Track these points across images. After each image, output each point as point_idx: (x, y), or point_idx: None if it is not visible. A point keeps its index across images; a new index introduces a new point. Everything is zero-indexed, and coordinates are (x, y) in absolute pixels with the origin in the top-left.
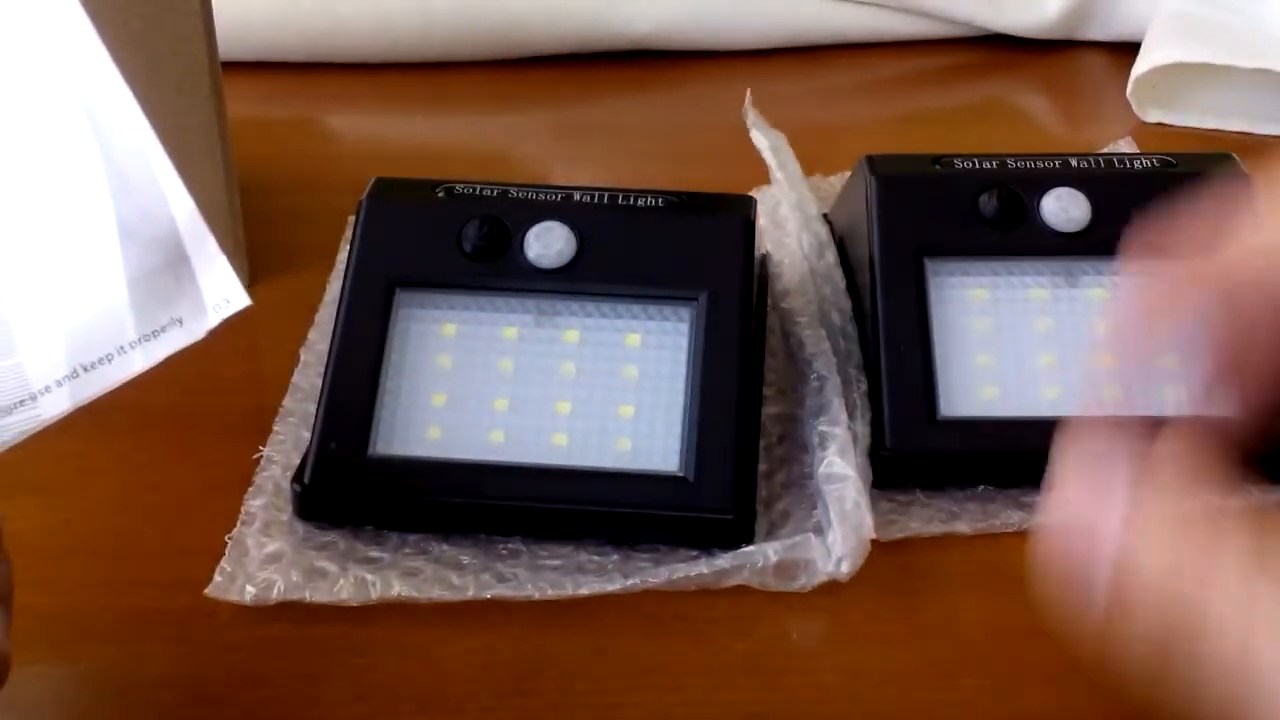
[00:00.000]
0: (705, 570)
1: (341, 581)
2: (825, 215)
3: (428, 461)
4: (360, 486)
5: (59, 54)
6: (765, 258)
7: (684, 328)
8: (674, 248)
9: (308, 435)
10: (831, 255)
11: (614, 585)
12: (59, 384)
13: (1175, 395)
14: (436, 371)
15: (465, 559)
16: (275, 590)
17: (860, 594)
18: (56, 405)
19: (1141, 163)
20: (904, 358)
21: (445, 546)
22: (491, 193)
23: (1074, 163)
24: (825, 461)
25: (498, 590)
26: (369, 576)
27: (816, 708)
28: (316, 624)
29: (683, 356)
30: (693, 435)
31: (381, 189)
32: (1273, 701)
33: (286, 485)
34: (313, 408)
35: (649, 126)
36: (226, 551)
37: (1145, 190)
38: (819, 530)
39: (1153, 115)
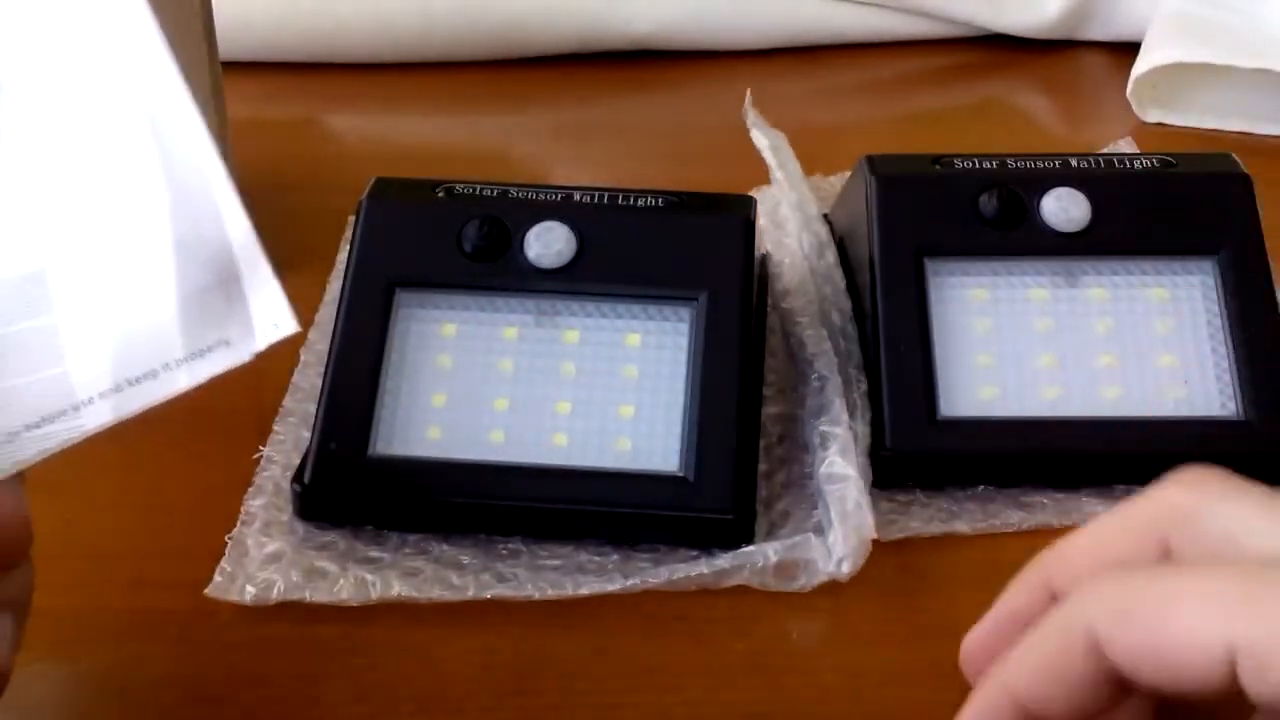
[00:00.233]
0: (705, 570)
1: (341, 581)
2: (825, 215)
3: (428, 461)
4: (360, 486)
5: (127, 61)
6: (765, 258)
7: (684, 328)
8: (674, 248)
9: (308, 435)
10: (831, 255)
11: (614, 585)
12: (103, 396)
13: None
14: (436, 371)
15: (465, 559)
16: (275, 590)
17: (860, 594)
18: (99, 417)
19: (1141, 163)
20: (904, 358)
21: (445, 546)
22: (491, 193)
23: (1074, 163)
24: (826, 461)
25: (498, 590)
26: (369, 576)
27: (816, 708)
28: (316, 624)
29: (683, 356)
30: (693, 435)
31: (381, 189)
32: None
33: (286, 485)
34: (313, 408)
35: (649, 126)
36: (226, 551)
37: (1145, 190)
38: (819, 530)
39: (1153, 115)
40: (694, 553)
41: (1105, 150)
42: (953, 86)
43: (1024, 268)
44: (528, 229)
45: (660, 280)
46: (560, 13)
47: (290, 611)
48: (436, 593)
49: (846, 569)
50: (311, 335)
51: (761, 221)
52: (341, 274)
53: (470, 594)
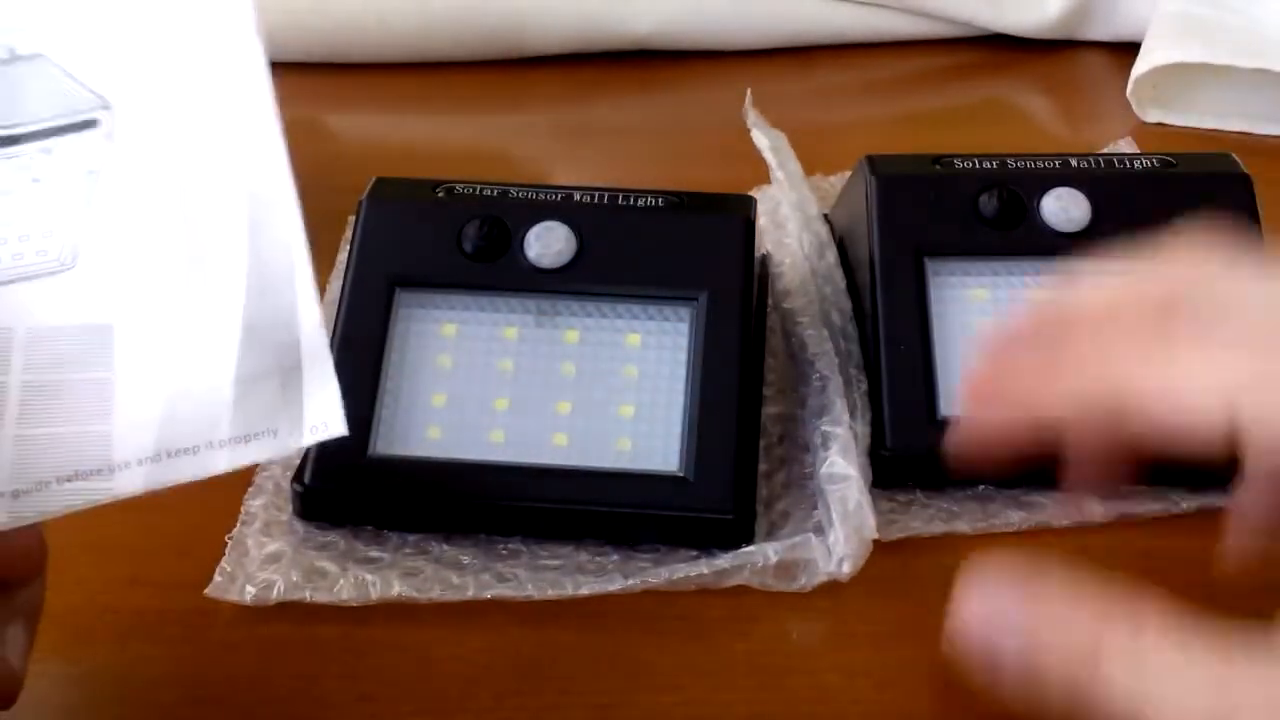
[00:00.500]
0: (705, 570)
1: (341, 581)
2: (825, 215)
3: (428, 461)
4: (360, 486)
5: (240, 134)
6: (766, 258)
7: (684, 328)
8: (674, 248)
9: None
10: (832, 255)
11: (614, 585)
12: (140, 463)
13: None
14: (436, 371)
15: (465, 559)
16: (275, 590)
17: (860, 594)
18: (129, 484)
19: (1141, 163)
20: (904, 357)
21: (445, 546)
22: (491, 193)
23: (1074, 163)
24: (827, 461)
25: (498, 590)
26: (369, 576)
27: (816, 708)
28: (316, 624)
29: (683, 356)
30: (693, 435)
31: (381, 189)
32: None
33: (286, 485)
34: None
35: (649, 126)
36: (226, 551)
37: (1145, 190)
38: (819, 530)
39: (1153, 115)
40: (694, 553)
41: (1105, 150)
42: (953, 86)
43: (1024, 267)
44: (528, 229)
45: (660, 280)
46: (560, 13)
47: (290, 611)
48: (436, 593)
49: (847, 569)
50: None
51: (762, 221)
52: (341, 274)
53: (470, 594)
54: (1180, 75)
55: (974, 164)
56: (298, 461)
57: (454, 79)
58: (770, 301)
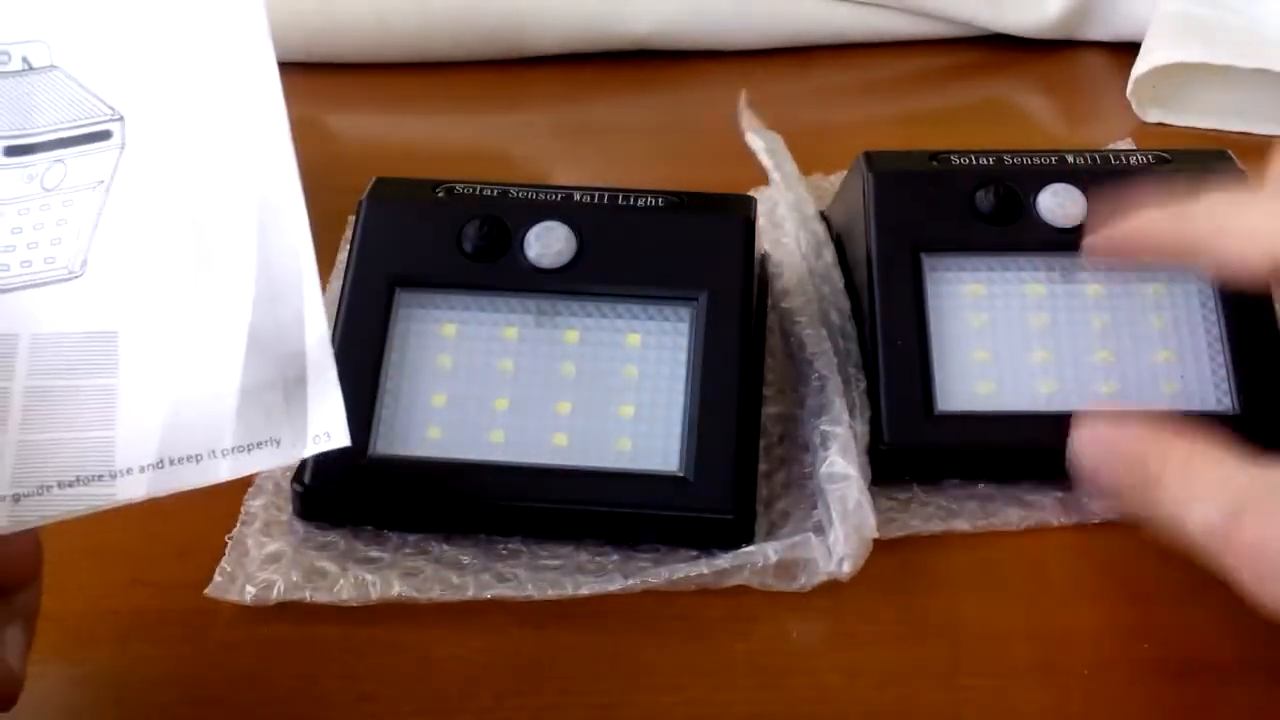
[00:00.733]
0: (705, 570)
1: (341, 581)
2: (823, 213)
3: (428, 461)
4: (360, 486)
5: (250, 143)
6: (765, 258)
7: (684, 328)
8: (674, 248)
9: None
10: (829, 254)
11: (614, 585)
12: (142, 470)
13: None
14: (436, 371)
15: (465, 559)
16: (275, 590)
17: (860, 594)
18: (131, 490)
19: (1137, 159)
20: (901, 353)
21: (445, 546)
22: (491, 193)
23: (1070, 159)
24: (827, 461)
25: (498, 590)
26: (369, 576)
27: (816, 708)
28: (316, 624)
29: (683, 356)
30: (693, 435)
31: (381, 189)
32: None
33: (286, 485)
34: None
35: (649, 126)
36: (226, 551)
37: (1141, 186)
38: (819, 530)
39: (1153, 115)
40: (694, 553)
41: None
42: (953, 86)
43: (1020, 263)
44: (528, 229)
45: (660, 280)
46: (560, 13)
47: (290, 611)
48: (436, 593)
49: (847, 568)
50: None
51: (761, 221)
52: (341, 274)
53: (470, 594)
54: (1180, 75)
55: (971, 160)
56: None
57: (454, 79)
58: (770, 301)
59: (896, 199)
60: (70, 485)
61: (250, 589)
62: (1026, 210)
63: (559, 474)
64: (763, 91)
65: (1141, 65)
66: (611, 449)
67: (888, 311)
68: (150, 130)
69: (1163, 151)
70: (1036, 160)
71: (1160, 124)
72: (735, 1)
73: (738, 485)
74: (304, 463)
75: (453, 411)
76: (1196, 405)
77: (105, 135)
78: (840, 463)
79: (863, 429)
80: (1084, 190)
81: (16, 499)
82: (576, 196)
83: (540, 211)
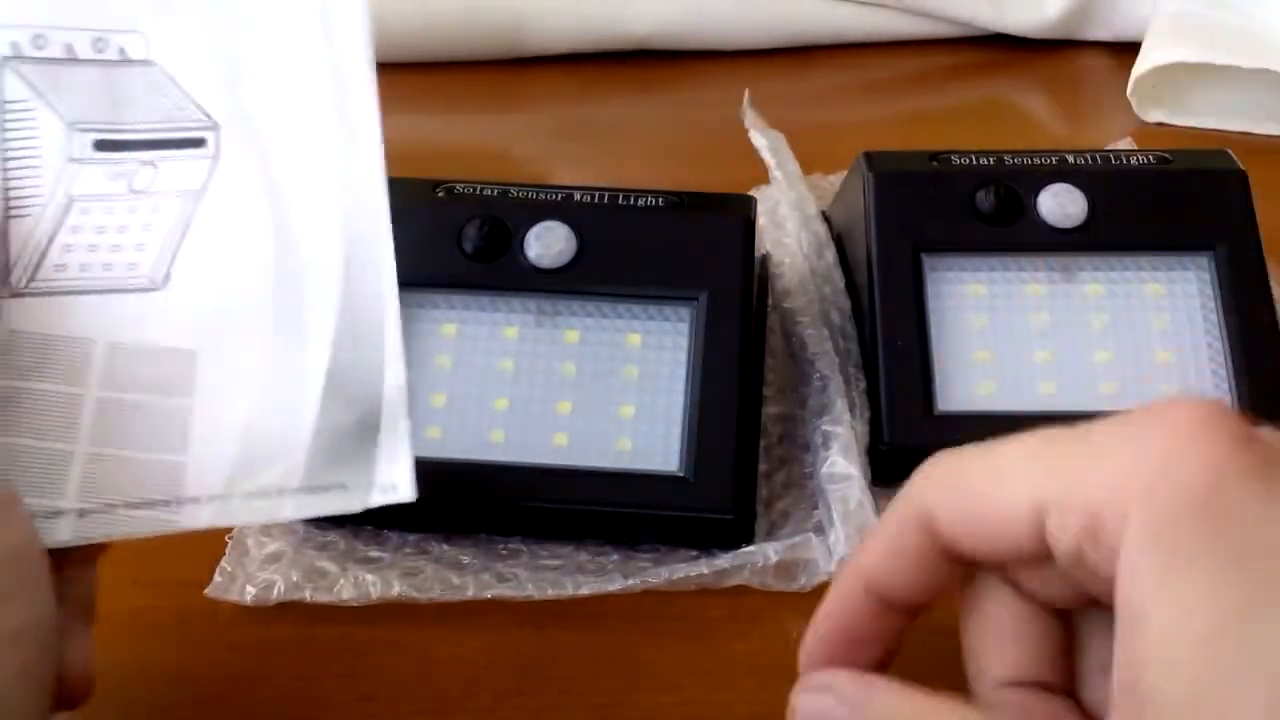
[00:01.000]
0: (705, 570)
1: (341, 581)
2: (824, 213)
3: (427, 462)
4: None
5: (344, 173)
6: (766, 258)
7: (684, 328)
8: (674, 248)
9: None
10: (831, 254)
11: (614, 585)
12: (209, 500)
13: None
14: (436, 371)
15: (465, 559)
16: (275, 590)
17: None
18: (196, 520)
19: (1138, 159)
20: (901, 353)
21: (445, 546)
22: (492, 193)
23: (1071, 159)
24: (828, 461)
25: (498, 590)
26: (369, 576)
27: None
28: (316, 624)
29: (683, 356)
30: (693, 435)
31: None
32: None
33: None
34: None
35: (649, 126)
36: (226, 551)
37: (1142, 186)
38: (819, 530)
39: (1153, 115)
40: (694, 553)
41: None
42: (953, 86)
43: (1021, 264)
44: (528, 229)
45: (660, 280)
46: (560, 13)
47: (290, 611)
48: (436, 593)
49: None
50: None
51: (761, 221)
52: None
53: (470, 594)
54: (1180, 75)
55: (971, 160)
56: None
57: (454, 79)
58: (770, 301)
59: (897, 199)
60: (137, 507)
61: (250, 589)
62: (1027, 210)
63: (559, 474)
64: (763, 91)
65: (1141, 65)
66: (611, 449)
67: (888, 311)
68: (244, 145)
69: (1163, 151)
70: (1036, 160)
71: (1160, 124)
72: (735, 1)
73: (738, 485)
74: None
75: (453, 411)
76: None
77: (200, 143)
78: (841, 463)
79: (863, 429)
80: (1084, 190)
81: (82, 514)
82: (576, 196)
83: (540, 211)
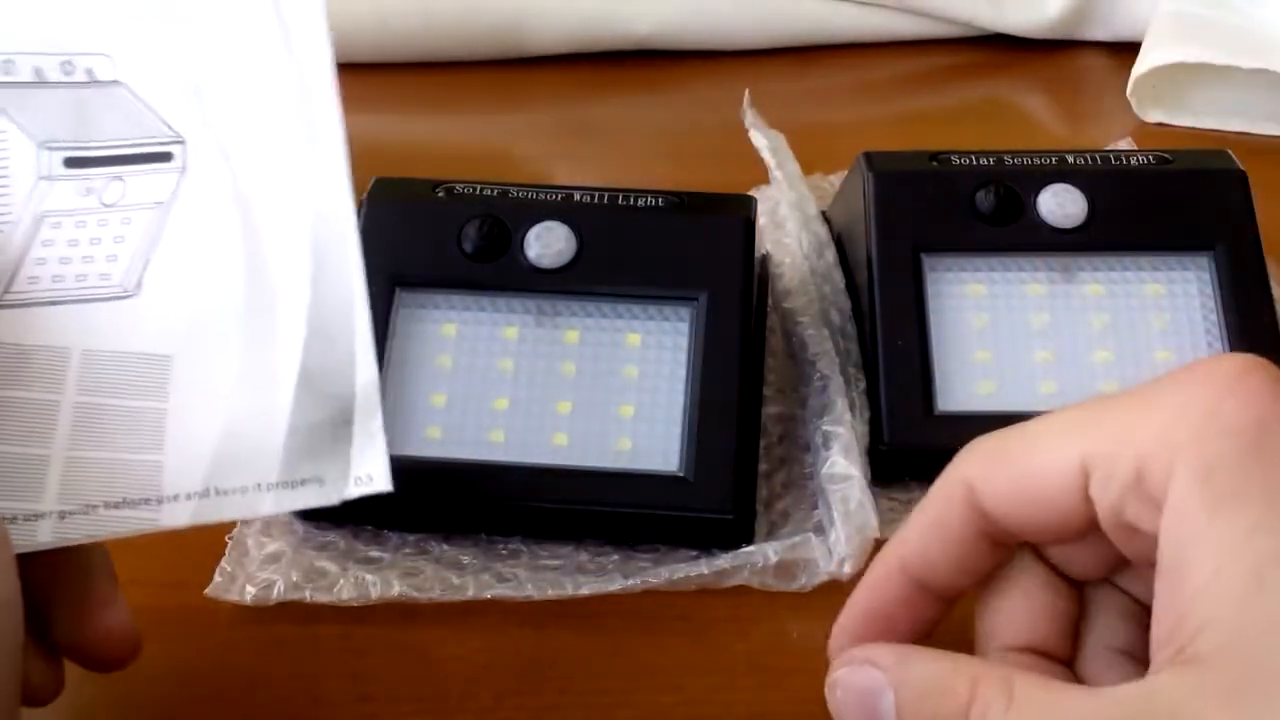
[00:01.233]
0: (705, 570)
1: (341, 581)
2: (824, 213)
3: (428, 461)
4: None
5: (309, 178)
6: (766, 258)
7: (684, 328)
8: (674, 248)
9: None
10: (831, 254)
11: (614, 585)
12: (188, 498)
13: None
14: (436, 371)
15: (465, 559)
16: (275, 590)
17: None
18: (175, 517)
19: (1138, 159)
20: (901, 353)
21: (445, 546)
22: (492, 193)
23: (1071, 159)
24: (829, 461)
25: (498, 590)
26: (369, 576)
27: (817, 708)
28: (316, 624)
29: (683, 356)
30: (693, 435)
31: (381, 189)
32: None
33: None
34: None
35: (649, 126)
36: (226, 551)
37: (1141, 186)
38: (819, 530)
39: (1153, 115)
40: (694, 553)
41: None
42: (952, 86)
43: (1021, 264)
44: (528, 229)
45: (660, 280)
46: (560, 13)
47: (290, 611)
48: (436, 593)
49: (849, 569)
50: None
51: (761, 221)
52: None
53: (470, 594)
54: (1180, 75)
55: (971, 160)
56: None
57: (454, 79)
58: (770, 301)
59: (896, 199)
60: (116, 507)
61: (250, 589)
62: (1026, 210)
63: (559, 474)
64: (763, 91)
65: (1141, 65)
66: (611, 449)
67: (888, 311)
68: (211, 157)
69: (1163, 151)
70: (1036, 160)
71: (1160, 124)
72: (735, 1)
73: (738, 485)
74: None
75: (453, 411)
76: None
77: (166, 157)
78: (842, 463)
79: (862, 429)
80: (1084, 190)
81: (62, 515)
82: (576, 196)
83: (540, 211)
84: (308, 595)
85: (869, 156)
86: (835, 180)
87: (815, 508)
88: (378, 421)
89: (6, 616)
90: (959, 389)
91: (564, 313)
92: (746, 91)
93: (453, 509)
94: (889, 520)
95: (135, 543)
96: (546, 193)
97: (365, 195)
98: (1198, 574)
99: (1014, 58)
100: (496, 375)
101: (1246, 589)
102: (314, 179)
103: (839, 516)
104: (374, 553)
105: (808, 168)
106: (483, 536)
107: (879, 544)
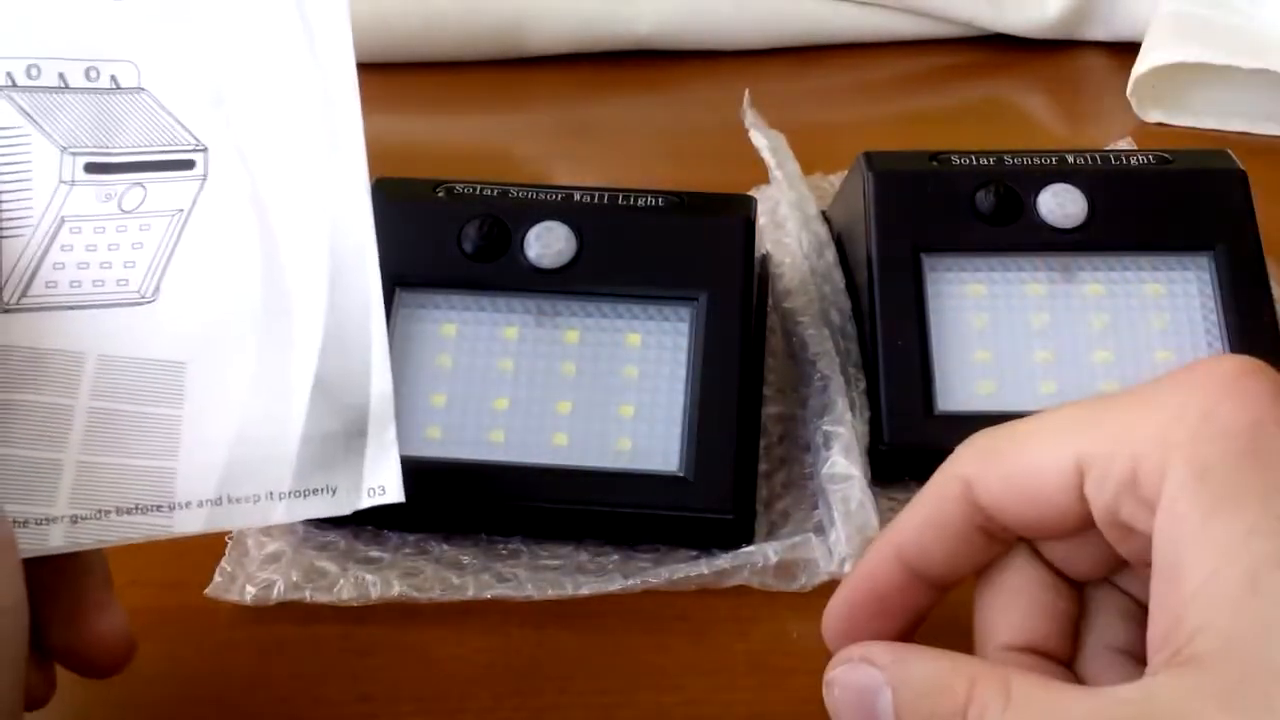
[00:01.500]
0: (705, 570)
1: (341, 581)
2: (824, 213)
3: (428, 461)
4: None
5: (328, 190)
6: (766, 258)
7: (684, 328)
8: (674, 248)
9: None
10: (831, 254)
11: (614, 585)
12: (200, 505)
13: None
14: (436, 371)
15: (465, 559)
16: (275, 590)
17: None
18: (188, 524)
19: (1138, 159)
20: (901, 353)
21: (445, 546)
22: (491, 193)
23: (1070, 159)
24: (829, 461)
25: (498, 590)
26: (369, 576)
27: (817, 708)
28: (316, 624)
29: (683, 356)
30: (693, 435)
31: (381, 189)
32: None
33: None
34: None
35: (649, 126)
36: (226, 551)
37: (1142, 186)
38: (819, 530)
39: (1153, 115)
40: (694, 553)
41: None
42: (952, 86)
43: (1021, 264)
44: (528, 229)
45: (660, 280)
46: (560, 13)
47: (290, 611)
48: (436, 593)
49: (849, 569)
50: None
51: (761, 221)
52: None
53: (470, 594)
54: (1180, 75)
55: (971, 160)
56: None
57: (454, 79)
58: (771, 301)
59: (896, 199)
60: (129, 512)
61: (250, 589)
62: (1026, 210)
63: (559, 474)
64: (763, 91)
65: (1141, 65)
66: (611, 449)
67: (888, 311)
68: (232, 164)
69: (1163, 151)
70: (1036, 160)
71: (1160, 124)
72: (735, 1)
73: (738, 485)
74: None
75: (453, 411)
76: None
77: (188, 165)
78: (843, 463)
79: (863, 429)
80: (1084, 190)
81: (74, 520)
82: (576, 196)
83: (540, 211)
84: (308, 595)
85: (869, 156)
86: (835, 180)
87: (815, 508)
88: (391, 433)
89: (10, 622)
90: (959, 389)
91: (564, 313)
92: (746, 91)
93: (453, 509)
94: (889, 520)
95: (136, 544)
96: (546, 193)
97: None
98: (1193, 576)
99: (1014, 58)
100: (496, 375)
101: (1242, 592)
102: (334, 187)
103: (839, 516)
104: (374, 553)
105: (808, 168)
106: (483, 536)
107: None
